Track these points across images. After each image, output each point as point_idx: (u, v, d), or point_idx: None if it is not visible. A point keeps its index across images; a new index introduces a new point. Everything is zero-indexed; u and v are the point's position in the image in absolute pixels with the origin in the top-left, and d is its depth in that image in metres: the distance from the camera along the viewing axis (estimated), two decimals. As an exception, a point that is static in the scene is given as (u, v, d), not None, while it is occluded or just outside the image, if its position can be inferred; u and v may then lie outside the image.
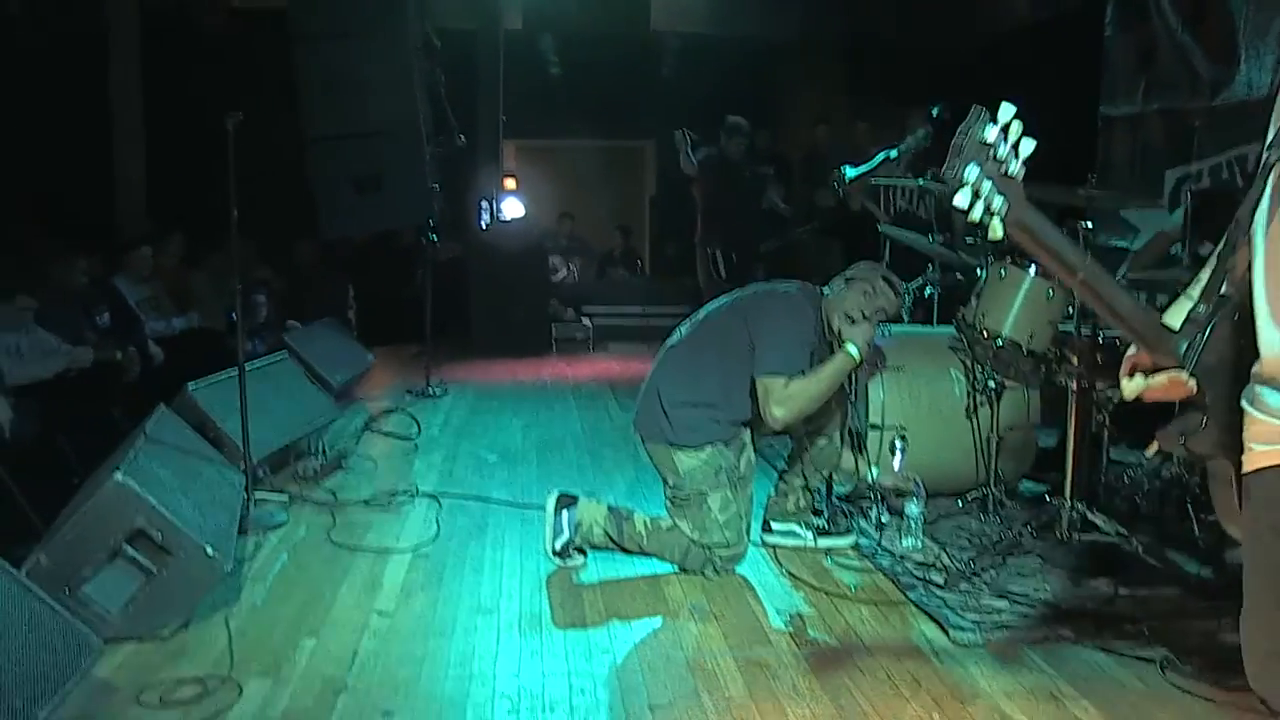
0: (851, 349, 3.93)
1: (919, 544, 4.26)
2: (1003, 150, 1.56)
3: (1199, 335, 1.72)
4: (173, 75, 9.15)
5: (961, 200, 1.57)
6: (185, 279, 7.41)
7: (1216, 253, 1.73)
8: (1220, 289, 1.73)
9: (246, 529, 4.40)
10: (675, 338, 4.22)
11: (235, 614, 3.63)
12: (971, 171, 1.55)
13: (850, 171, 6.41)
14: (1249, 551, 1.78)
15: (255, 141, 4.78)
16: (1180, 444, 1.88)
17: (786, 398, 3.85)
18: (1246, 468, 1.71)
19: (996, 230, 1.59)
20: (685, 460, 3.98)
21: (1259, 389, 1.67)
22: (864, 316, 4.02)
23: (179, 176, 8.65)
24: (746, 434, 4.11)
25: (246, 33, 9.45)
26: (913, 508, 4.28)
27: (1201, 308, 1.73)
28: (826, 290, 4.13)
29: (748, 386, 3.97)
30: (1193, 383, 1.74)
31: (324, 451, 5.58)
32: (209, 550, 3.42)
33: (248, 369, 4.87)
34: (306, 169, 7.21)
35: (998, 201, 1.56)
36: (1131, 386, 1.82)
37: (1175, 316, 1.81)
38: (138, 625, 3.38)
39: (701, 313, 4.24)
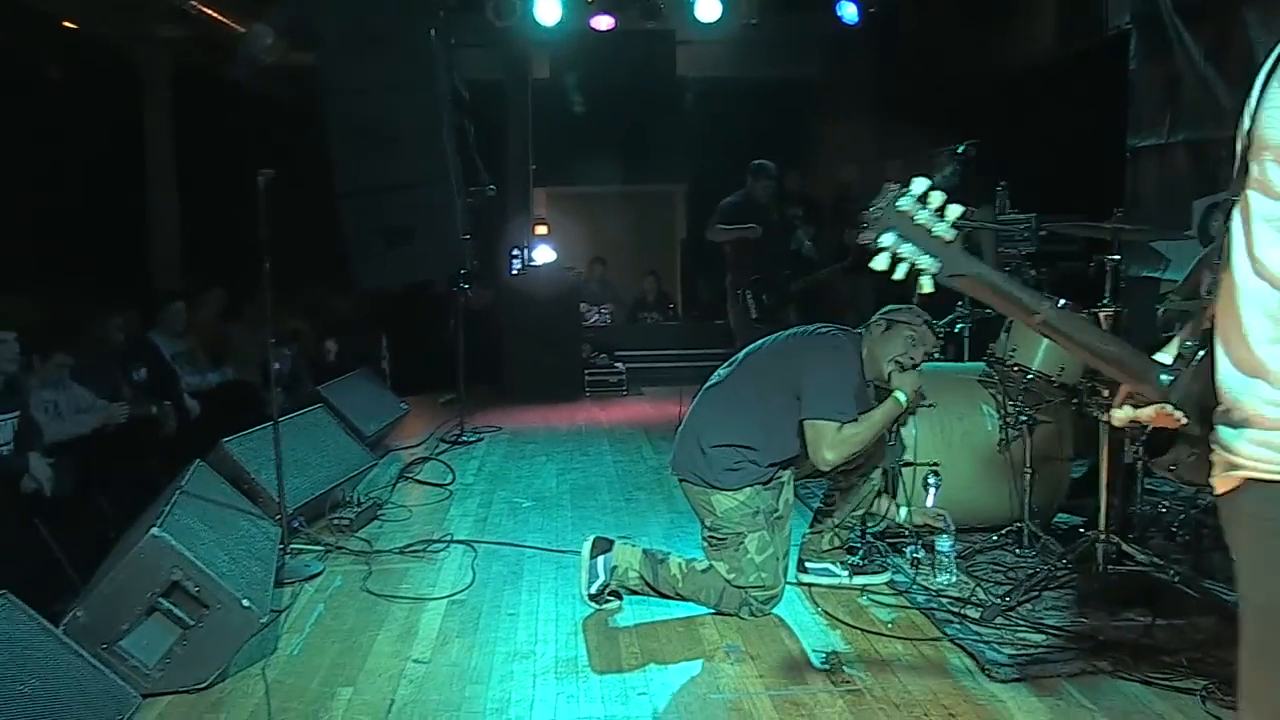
0: (900, 396, 4.00)
1: (953, 579, 4.24)
2: (923, 216, 1.64)
3: (1184, 368, 1.76)
4: (206, 130, 9.34)
5: (878, 263, 1.68)
6: (221, 333, 7.52)
7: (1205, 289, 1.78)
8: (1205, 324, 1.79)
9: (283, 580, 4.44)
10: (714, 379, 4.23)
11: (272, 664, 3.66)
12: (887, 238, 1.65)
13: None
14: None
15: (289, 195, 4.87)
16: (1170, 472, 1.92)
17: (839, 442, 3.89)
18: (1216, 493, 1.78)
19: (925, 285, 1.69)
20: (722, 501, 3.99)
21: (1216, 425, 1.72)
22: (911, 363, 4.06)
23: (215, 231, 8.80)
24: (785, 475, 4.12)
25: (278, 87, 9.63)
26: (943, 544, 4.26)
27: (1190, 343, 1.78)
28: (862, 330, 4.14)
29: (787, 429, 3.98)
30: (1180, 414, 1.77)
31: (359, 501, 5.62)
32: (244, 602, 3.46)
33: (282, 421, 4.94)
34: (339, 222, 7.31)
35: (926, 261, 1.66)
36: (1120, 416, 1.86)
37: (1171, 350, 1.84)
38: (175, 678, 3.42)
39: (741, 355, 4.25)
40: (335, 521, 5.33)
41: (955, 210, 1.66)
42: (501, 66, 10.83)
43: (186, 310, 7.05)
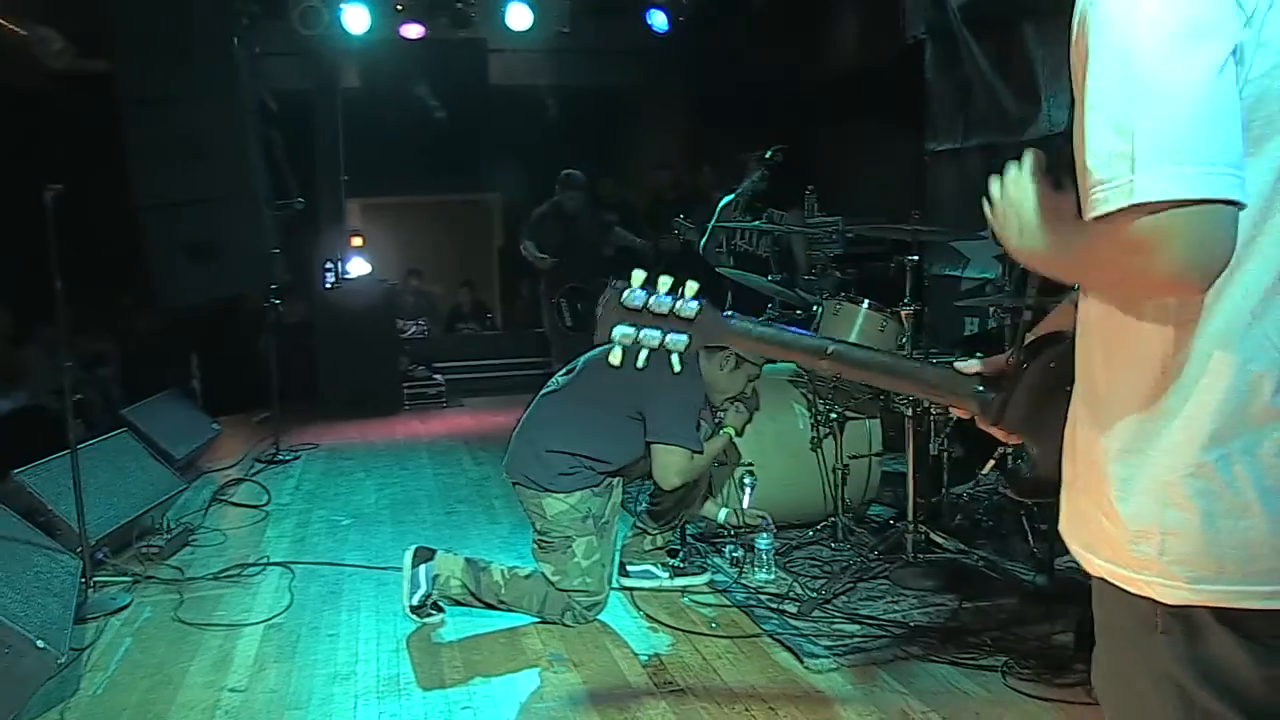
0: (730, 432, 4.21)
1: (772, 576, 4.34)
2: (658, 302, 1.63)
3: (1005, 388, 1.69)
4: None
5: (614, 357, 1.67)
6: (11, 356, 7.11)
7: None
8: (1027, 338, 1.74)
9: (85, 616, 4.22)
10: (552, 386, 4.24)
11: (72, 707, 3.47)
12: (620, 330, 1.63)
13: (691, 232, 6.60)
14: None
15: (85, 209, 4.63)
16: (1005, 489, 1.89)
17: (689, 470, 4.04)
18: None
19: (675, 364, 1.68)
20: (554, 505, 3.99)
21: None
22: (739, 395, 4.21)
23: (1, 249, 8.30)
24: (616, 481, 4.15)
25: (71, 96, 9.16)
26: (762, 541, 4.37)
27: (1014, 357, 1.71)
28: None
29: (628, 439, 4.02)
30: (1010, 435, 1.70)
31: (169, 528, 5.38)
32: (39, 642, 3.26)
33: (82, 448, 4.69)
34: (140, 237, 7.00)
35: (675, 340, 1.64)
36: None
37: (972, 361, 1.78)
38: (-37, 728, 3.21)
39: (580, 362, 4.25)
40: (144, 550, 5.09)
41: (693, 285, 1.64)
42: (310, 76, 10.56)
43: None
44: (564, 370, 4.28)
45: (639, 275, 1.64)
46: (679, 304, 1.62)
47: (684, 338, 1.63)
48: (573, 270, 8.46)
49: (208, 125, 6.95)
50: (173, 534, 5.29)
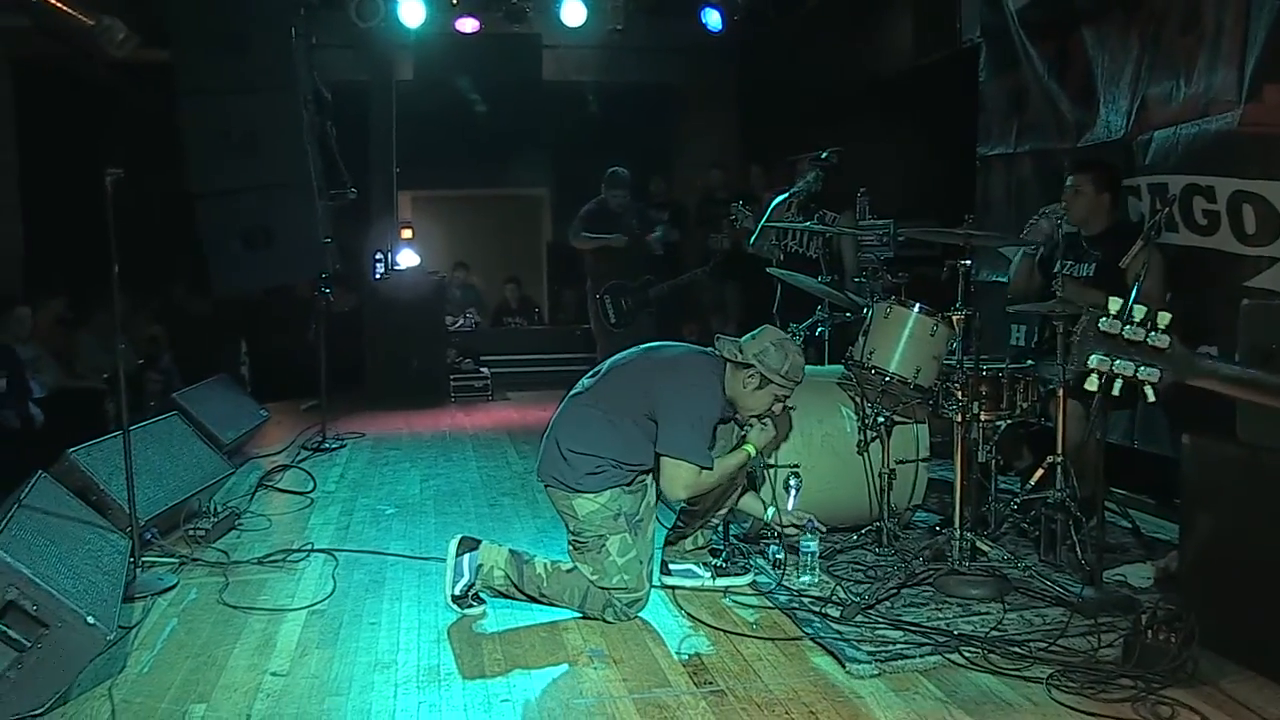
0: (750, 449, 4.14)
1: (815, 580, 4.31)
2: (1133, 331, 1.76)
3: None
4: (51, 129, 8.95)
5: (1090, 384, 1.83)
6: (68, 340, 7.22)
7: None
8: None
9: (134, 595, 4.28)
10: (578, 388, 4.23)
11: (119, 684, 3.51)
12: (1095, 359, 1.78)
13: (748, 220, 6.57)
14: None
15: (142, 196, 4.69)
16: None
17: (696, 485, 4.01)
18: None
19: (1149, 395, 1.83)
20: (584, 505, 3.99)
21: None
22: (766, 413, 4.14)
23: (62, 234, 8.43)
24: (647, 478, 4.14)
25: (129, 85, 9.29)
26: (809, 544, 4.34)
27: None
28: (724, 352, 4.11)
29: (645, 444, 4.01)
30: None
31: (216, 511, 5.45)
32: (89, 619, 3.31)
33: (133, 430, 4.76)
34: (196, 225, 7.09)
35: (1146, 371, 1.78)
36: None
37: None
38: (8, 706, 3.23)
39: (605, 365, 4.25)
40: (191, 532, 5.16)
41: (1166, 317, 1.67)
42: (365, 68, 10.66)
43: (31, 316, 6.76)
44: (590, 373, 4.28)
45: (1115, 303, 1.68)
46: (1151, 335, 1.66)
47: (1155, 370, 1.67)
48: (616, 268, 8.47)
49: (264, 115, 7.03)
50: (219, 518, 5.35)
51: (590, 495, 3.99)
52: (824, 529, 4.43)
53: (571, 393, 4.25)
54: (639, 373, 4.13)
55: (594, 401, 4.12)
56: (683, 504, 4.36)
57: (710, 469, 3.99)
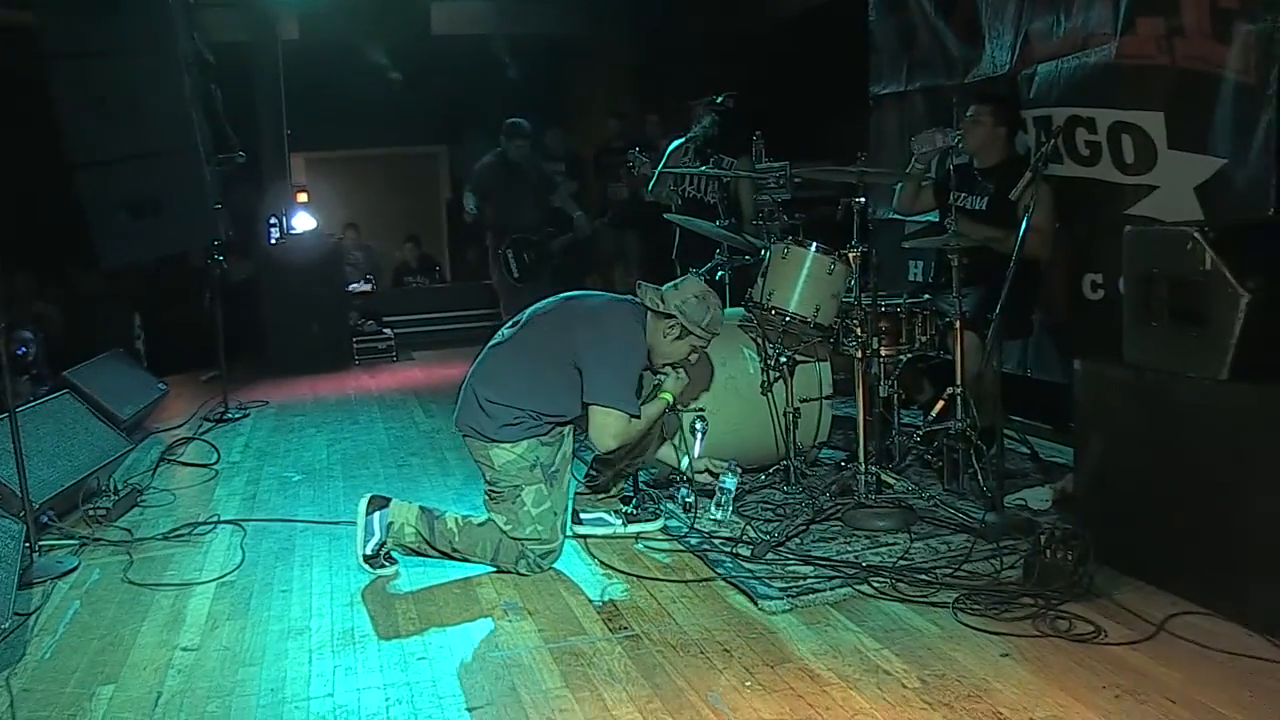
0: (667, 397, 4.18)
1: (728, 515, 4.35)
2: None
3: None
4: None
5: None
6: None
7: None
8: None
9: (32, 580, 4.16)
10: (498, 338, 4.21)
11: (18, 673, 3.41)
12: None
13: (645, 168, 6.57)
14: None
15: (16, 168, 4.49)
16: None
17: (626, 433, 4.02)
18: None
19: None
20: (501, 455, 3.99)
21: None
22: (681, 363, 4.20)
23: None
24: (565, 430, 4.14)
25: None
26: (729, 481, 4.37)
27: None
28: (644, 300, 4.12)
29: (565, 394, 4.01)
30: None
31: (116, 489, 5.31)
32: (-17, 607, 3.22)
33: (21, 411, 4.61)
34: (77, 195, 6.84)
35: None
36: None
37: None
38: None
39: (525, 314, 4.21)
40: (91, 512, 5.02)
41: None
42: (248, 28, 10.35)
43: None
44: (510, 323, 4.25)
45: None
46: None
47: None
48: (518, 221, 8.40)
49: (143, 79, 6.76)
50: (120, 495, 5.22)
51: (507, 445, 3.98)
52: (739, 470, 4.47)
53: (491, 343, 4.22)
54: (561, 321, 4.11)
55: (514, 352, 4.10)
56: (597, 453, 4.36)
57: (638, 417, 4.01)
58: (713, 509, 4.38)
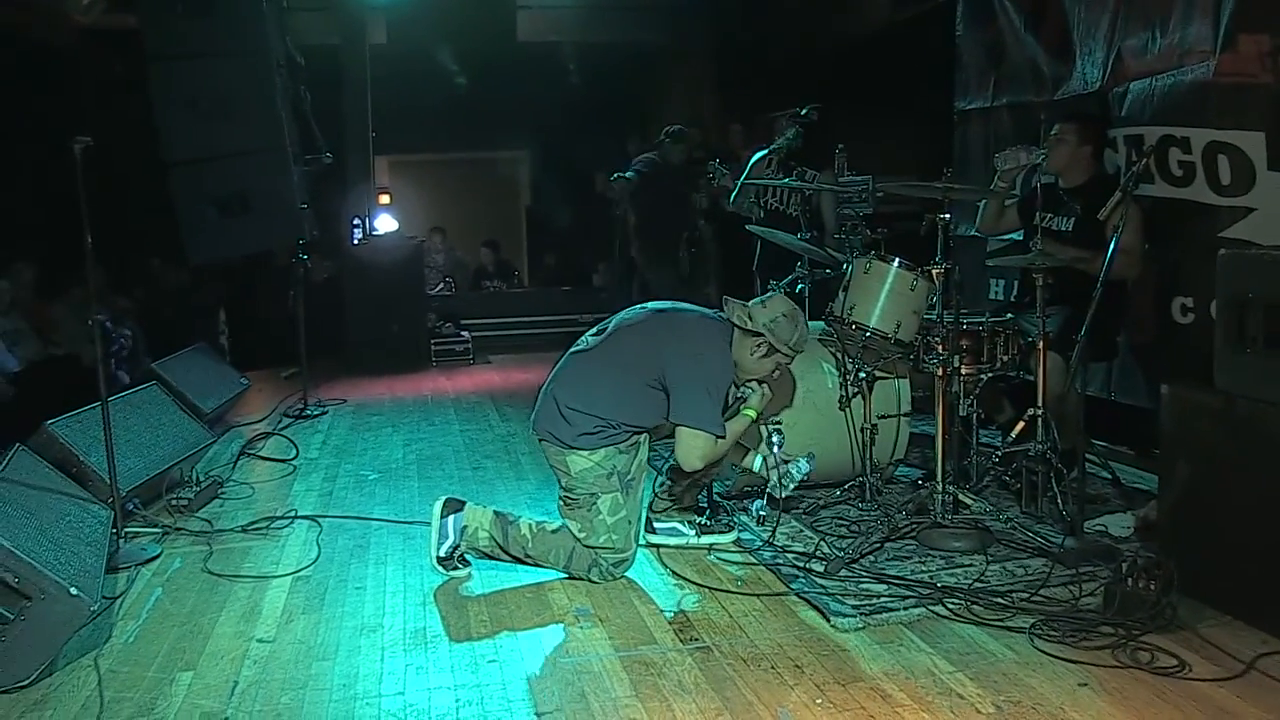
0: (751, 414, 4.16)
1: (791, 488, 4.31)
2: None
3: None
4: (17, 97, 8.81)
5: None
6: (45, 311, 7.16)
7: None
8: None
9: (117, 565, 4.26)
10: (581, 345, 4.21)
11: (105, 654, 3.51)
12: None
13: (726, 179, 6.59)
14: None
15: (113, 165, 4.60)
16: None
17: (713, 454, 4.02)
18: None
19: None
20: (578, 461, 4.00)
21: None
22: (766, 378, 4.18)
23: (30, 203, 8.31)
24: (641, 438, 4.14)
25: (97, 52, 9.14)
26: (803, 464, 4.32)
27: None
28: (731, 317, 4.11)
29: (646, 406, 4.00)
30: None
31: (198, 480, 5.42)
32: (72, 590, 3.30)
33: (112, 400, 4.73)
34: (169, 193, 7.01)
35: None
36: None
37: None
38: (-5, 677, 3.23)
39: (612, 323, 4.21)
40: (173, 502, 5.14)
41: None
42: (337, 31, 10.54)
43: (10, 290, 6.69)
44: (595, 330, 4.25)
45: None
46: None
47: None
48: (663, 223, 8.57)
49: (236, 80, 6.94)
50: (202, 487, 5.33)
51: (585, 453, 3.99)
52: (814, 459, 4.42)
53: (574, 349, 4.23)
54: (650, 335, 4.10)
55: (599, 361, 4.09)
56: (672, 463, 4.34)
57: (725, 437, 4.00)
58: (783, 488, 4.30)
